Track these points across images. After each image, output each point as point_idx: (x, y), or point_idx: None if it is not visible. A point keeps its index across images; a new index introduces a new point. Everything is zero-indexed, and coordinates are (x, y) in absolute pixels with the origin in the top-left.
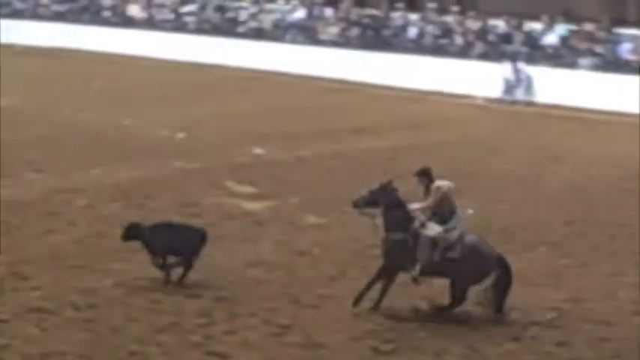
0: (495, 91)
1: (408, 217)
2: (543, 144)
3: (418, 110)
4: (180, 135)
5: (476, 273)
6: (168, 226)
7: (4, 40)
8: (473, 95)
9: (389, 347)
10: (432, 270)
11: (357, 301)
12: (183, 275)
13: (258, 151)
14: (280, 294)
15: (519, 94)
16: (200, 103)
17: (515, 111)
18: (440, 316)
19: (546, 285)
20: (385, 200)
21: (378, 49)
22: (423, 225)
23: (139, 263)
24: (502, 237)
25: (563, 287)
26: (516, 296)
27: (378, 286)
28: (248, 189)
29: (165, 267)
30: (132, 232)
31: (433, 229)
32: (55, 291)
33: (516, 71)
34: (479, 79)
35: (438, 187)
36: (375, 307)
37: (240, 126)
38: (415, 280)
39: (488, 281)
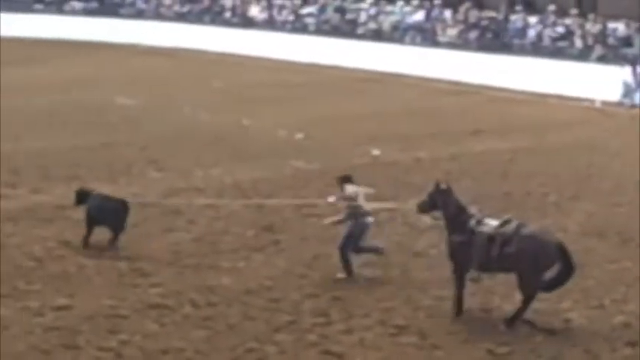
0: (614, 94)
1: (466, 217)
2: None
3: (536, 113)
4: (299, 135)
5: (537, 264)
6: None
7: (127, 40)
8: (591, 98)
9: (504, 350)
10: (492, 267)
11: (458, 312)
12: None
13: (375, 152)
14: (396, 294)
15: (638, 98)
16: (319, 103)
17: (634, 114)
18: (529, 321)
19: None
20: (442, 201)
21: (497, 52)
22: (478, 222)
23: (258, 262)
24: (619, 240)
25: None
26: (632, 301)
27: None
28: (366, 190)
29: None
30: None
31: (488, 225)
32: (174, 288)
33: (636, 75)
34: (598, 82)
35: (343, 192)
36: (458, 313)
37: (358, 127)
38: (474, 280)
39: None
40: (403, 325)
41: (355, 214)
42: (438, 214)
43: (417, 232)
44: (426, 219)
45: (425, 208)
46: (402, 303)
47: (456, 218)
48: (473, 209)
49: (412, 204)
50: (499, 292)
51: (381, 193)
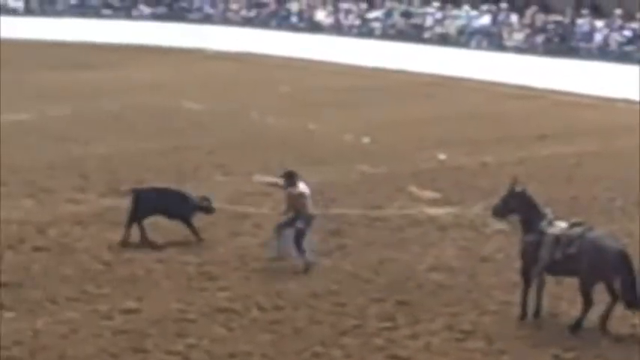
0: None
1: (539, 218)
2: None
3: (603, 117)
4: (365, 140)
5: (594, 268)
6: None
7: (195, 45)
8: None
9: (570, 355)
10: (557, 269)
11: (537, 314)
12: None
13: (441, 156)
14: (463, 299)
15: None
16: (385, 108)
17: None
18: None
19: None
20: (518, 204)
21: (563, 56)
22: (550, 223)
23: (325, 266)
24: None
25: None
26: None
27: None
28: (432, 194)
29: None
30: None
31: (558, 226)
32: (241, 292)
33: None
34: None
35: (289, 192)
36: (522, 316)
37: (424, 131)
38: (528, 283)
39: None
40: (470, 330)
41: (301, 212)
42: (513, 218)
43: (484, 236)
44: (494, 223)
45: (500, 211)
46: (468, 308)
47: (530, 219)
48: (547, 210)
49: (478, 208)
50: (566, 297)
51: (447, 198)
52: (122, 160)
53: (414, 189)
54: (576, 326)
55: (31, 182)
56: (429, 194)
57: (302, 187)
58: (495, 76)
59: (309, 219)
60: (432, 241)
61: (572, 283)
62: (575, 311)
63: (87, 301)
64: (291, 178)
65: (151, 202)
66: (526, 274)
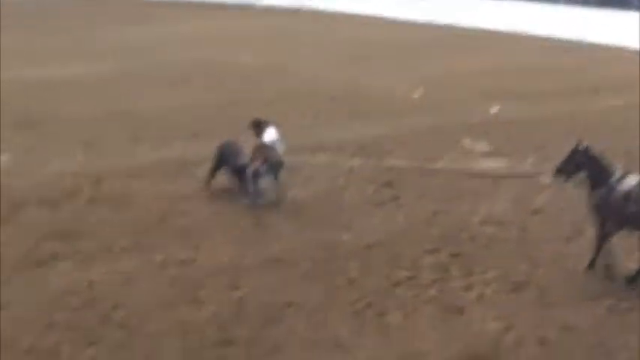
0: None
1: (608, 173)
2: None
3: None
4: (418, 93)
5: None
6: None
7: (247, 1)
8: None
9: (625, 305)
10: (627, 224)
11: (590, 265)
12: None
13: (494, 109)
14: (515, 251)
15: None
16: (437, 61)
17: None
18: None
19: None
20: (583, 161)
21: (617, 8)
22: (621, 178)
23: (378, 218)
24: None
25: None
26: None
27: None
28: (485, 147)
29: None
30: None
31: (629, 181)
32: (295, 243)
33: None
34: None
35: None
36: (590, 266)
37: (476, 84)
38: (605, 237)
39: None
40: (522, 281)
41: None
42: (581, 175)
43: (536, 189)
44: (545, 177)
45: (565, 170)
46: (521, 260)
47: (598, 175)
48: (616, 165)
49: (531, 161)
50: (623, 249)
51: (499, 150)
52: (176, 113)
53: (466, 142)
54: (633, 278)
55: (86, 134)
56: (481, 147)
57: (268, 135)
58: (549, 28)
59: (274, 165)
60: (484, 193)
61: (625, 234)
62: (631, 263)
63: (142, 251)
64: (258, 127)
65: (233, 156)
66: (599, 231)
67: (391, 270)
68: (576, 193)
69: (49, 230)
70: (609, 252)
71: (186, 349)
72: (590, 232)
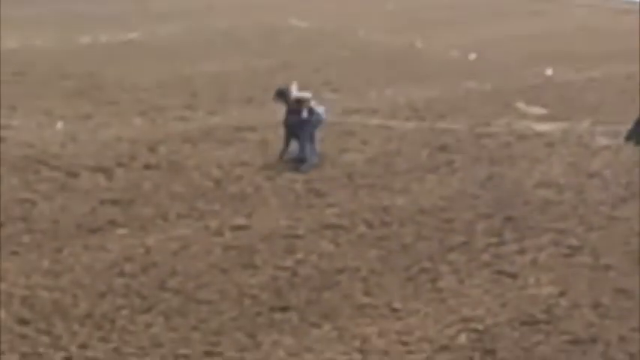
0: None
1: None
2: None
3: None
4: (472, 56)
5: None
6: None
7: None
8: None
9: None
10: None
11: None
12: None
13: (549, 72)
14: (570, 215)
15: None
16: (492, 24)
17: None
18: None
19: None
20: None
21: None
22: None
23: (432, 182)
24: None
25: None
26: None
27: None
28: (539, 110)
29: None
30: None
31: None
32: (349, 208)
33: None
34: None
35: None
36: None
37: (531, 47)
38: None
39: None
40: (577, 245)
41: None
42: None
43: (591, 152)
44: (601, 139)
45: (637, 135)
46: (575, 224)
47: None
48: None
49: (586, 124)
50: None
51: (554, 114)
52: (231, 77)
53: (521, 105)
54: None
55: (141, 100)
56: (536, 110)
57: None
58: None
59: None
60: (539, 157)
61: None
62: None
63: (197, 217)
64: (281, 96)
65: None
66: None
67: (445, 235)
68: (632, 156)
69: (105, 197)
70: None
71: (241, 315)
72: None
